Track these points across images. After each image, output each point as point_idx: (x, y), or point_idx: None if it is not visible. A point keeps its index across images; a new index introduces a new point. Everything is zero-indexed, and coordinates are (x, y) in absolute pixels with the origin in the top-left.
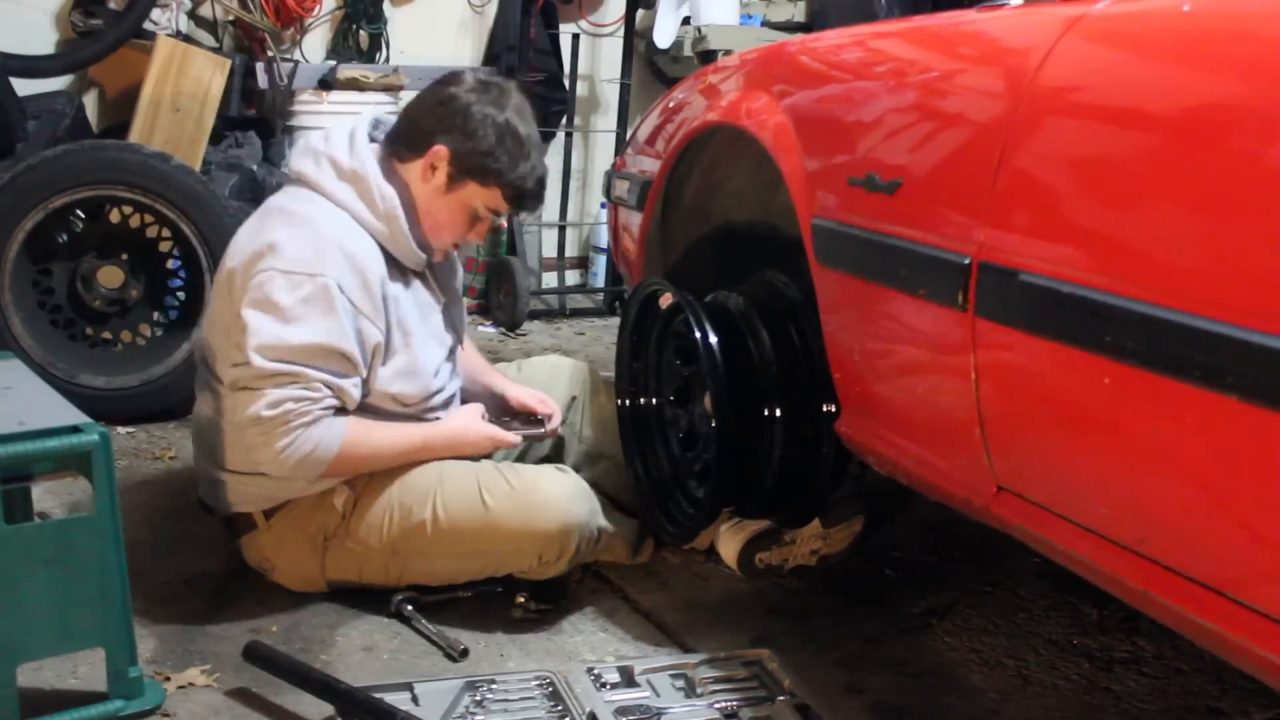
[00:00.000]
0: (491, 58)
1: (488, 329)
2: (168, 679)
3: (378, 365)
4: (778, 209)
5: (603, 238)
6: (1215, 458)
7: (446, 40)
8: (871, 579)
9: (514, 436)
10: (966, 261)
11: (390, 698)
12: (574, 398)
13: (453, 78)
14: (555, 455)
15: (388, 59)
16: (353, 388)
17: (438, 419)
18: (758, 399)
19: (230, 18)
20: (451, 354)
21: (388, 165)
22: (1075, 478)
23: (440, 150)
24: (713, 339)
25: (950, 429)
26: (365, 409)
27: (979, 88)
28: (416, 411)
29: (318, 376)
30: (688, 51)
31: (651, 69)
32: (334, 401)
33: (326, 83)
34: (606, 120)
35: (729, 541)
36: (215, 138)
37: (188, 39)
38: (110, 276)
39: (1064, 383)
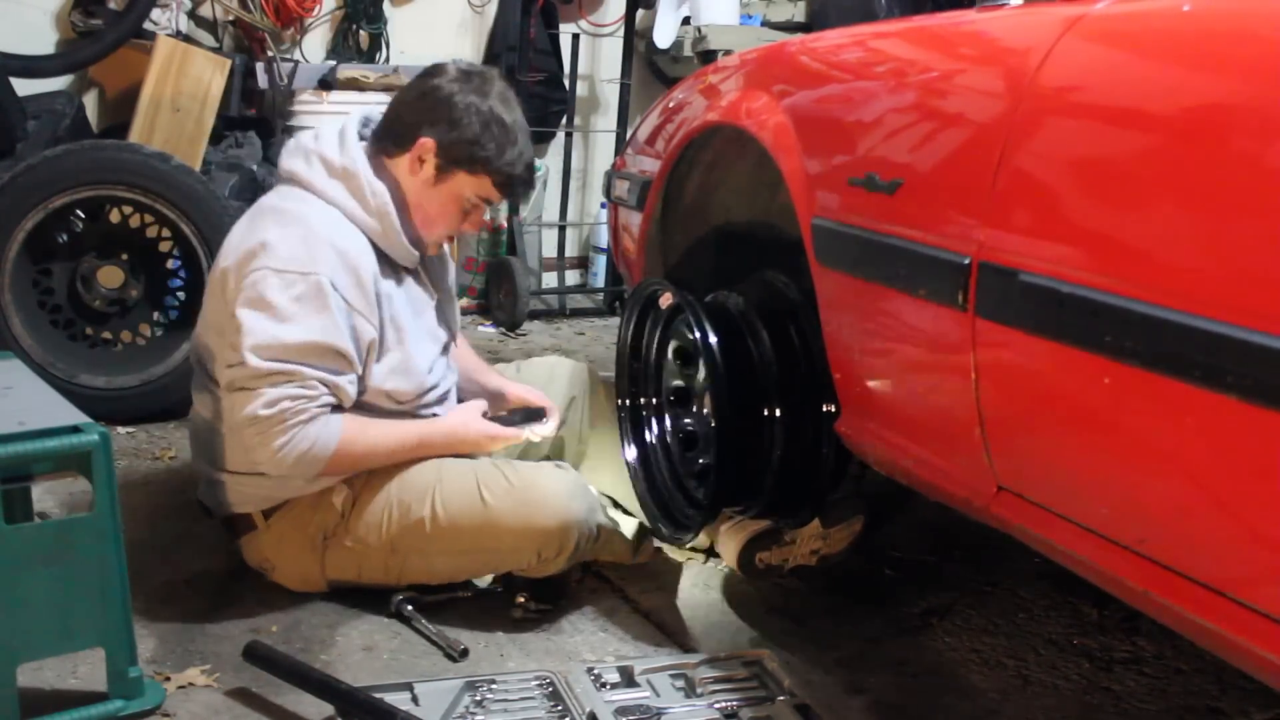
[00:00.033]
0: (491, 58)
1: (488, 329)
2: (168, 679)
3: (372, 362)
4: (778, 209)
5: (603, 238)
6: (1215, 458)
7: (446, 40)
8: (871, 579)
9: (514, 431)
10: (966, 261)
11: (390, 698)
12: (573, 398)
13: (435, 69)
14: (555, 455)
15: (388, 59)
16: (349, 385)
17: (434, 415)
18: (758, 399)
19: (230, 18)
20: (445, 350)
21: (377, 162)
22: (1075, 478)
23: (426, 142)
24: (713, 339)
25: (950, 429)
26: (360, 406)
27: (979, 88)
28: (411, 408)
29: (313, 375)
30: (688, 51)
31: (651, 69)
32: (330, 399)
33: (326, 83)
34: (606, 120)
35: (729, 541)
36: (215, 138)
37: (188, 39)
38: (110, 276)
39: (1064, 383)
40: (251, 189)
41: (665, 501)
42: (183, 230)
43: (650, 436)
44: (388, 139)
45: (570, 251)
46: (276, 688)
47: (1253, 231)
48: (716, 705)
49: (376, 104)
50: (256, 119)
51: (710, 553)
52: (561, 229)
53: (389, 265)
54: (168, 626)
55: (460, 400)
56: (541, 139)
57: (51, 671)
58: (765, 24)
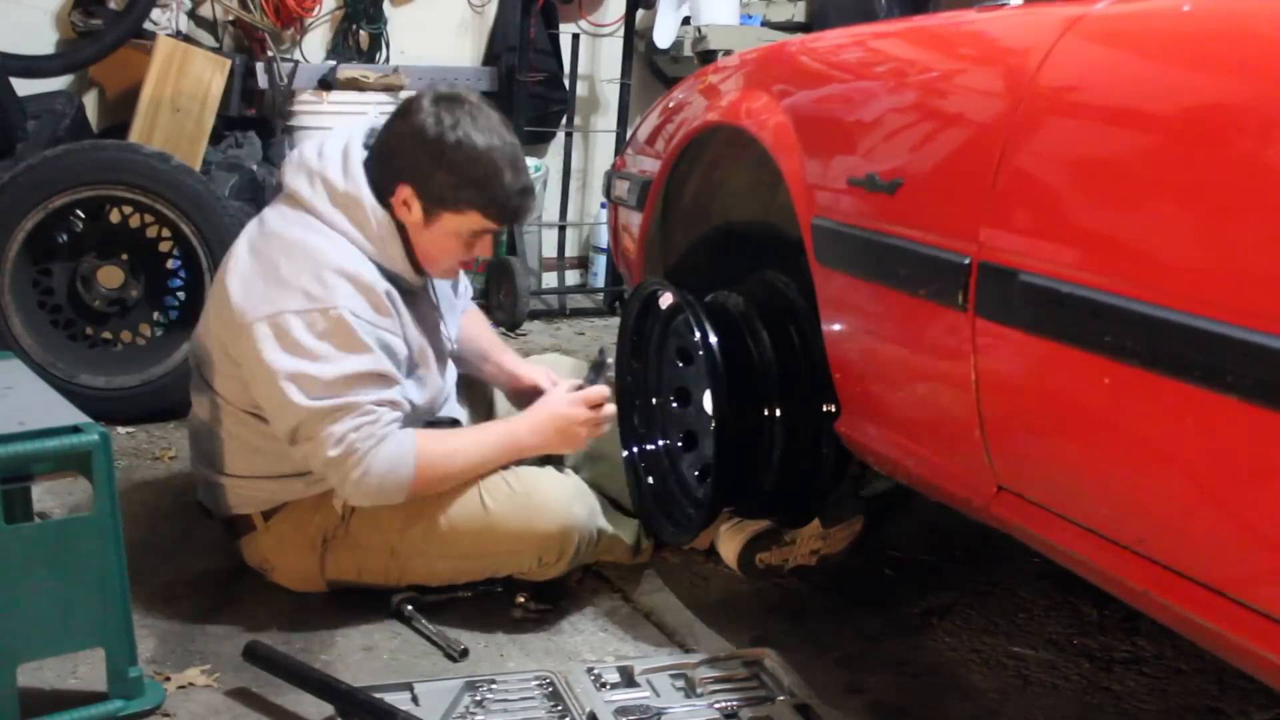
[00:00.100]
0: (491, 58)
1: None
2: (168, 679)
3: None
4: (778, 209)
5: (603, 238)
6: (1215, 458)
7: (446, 40)
8: (871, 579)
9: (595, 391)
10: (966, 261)
11: (390, 698)
12: None
13: (407, 107)
14: (555, 455)
15: (388, 59)
16: (401, 395)
17: (447, 416)
18: (758, 399)
19: (230, 18)
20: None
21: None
22: (1075, 478)
23: (405, 190)
24: (713, 339)
25: (950, 429)
26: None
27: (979, 88)
28: (420, 417)
29: (366, 400)
30: (688, 51)
31: (651, 69)
32: (394, 415)
33: (326, 83)
34: (606, 120)
35: (729, 542)
36: (215, 138)
37: (188, 39)
38: (110, 276)
39: (1064, 383)
40: (251, 189)
41: (665, 502)
42: (183, 230)
43: (650, 436)
44: (375, 183)
45: (570, 251)
46: (276, 688)
47: (1253, 231)
48: (716, 705)
49: (377, 104)
50: (256, 119)
51: (710, 553)
52: (561, 229)
53: (395, 283)
54: (168, 626)
55: (467, 386)
56: (541, 139)
57: (51, 671)
58: (765, 24)
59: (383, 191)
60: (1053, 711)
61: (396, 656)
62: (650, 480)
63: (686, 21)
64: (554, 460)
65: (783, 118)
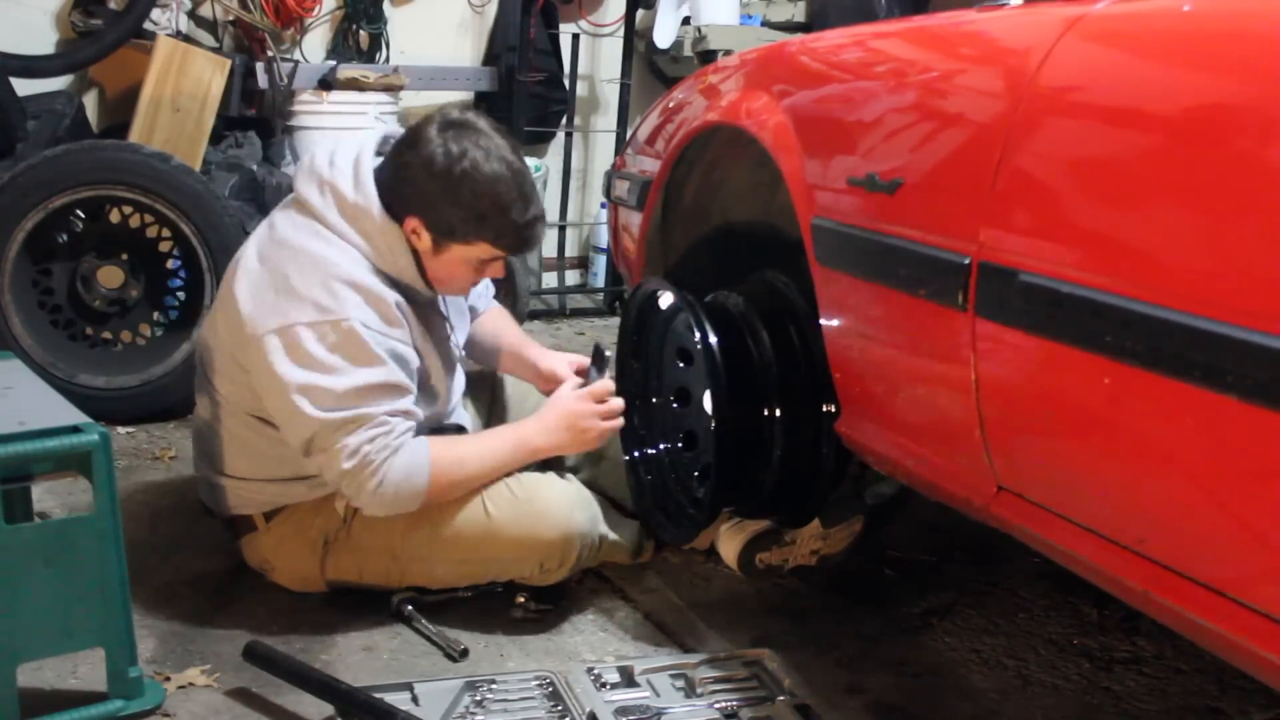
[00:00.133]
0: (491, 58)
1: None
2: (168, 679)
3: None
4: (778, 209)
5: (603, 238)
6: (1215, 458)
7: (446, 40)
8: (871, 579)
9: (600, 385)
10: (966, 261)
11: (390, 698)
12: None
13: (413, 136)
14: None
15: (388, 59)
16: (414, 405)
17: (454, 424)
18: (758, 399)
19: (230, 18)
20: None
21: None
22: (1075, 478)
23: (413, 221)
24: (713, 339)
25: (950, 429)
26: None
27: (979, 88)
28: (428, 425)
29: (380, 412)
30: (688, 51)
31: (651, 69)
32: (408, 425)
33: (326, 83)
34: (606, 120)
35: (729, 542)
36: (215, 138)
37: (188, 39)
38: (110, 276)
39: (1064, 383)
40: (251, 189)
41: (665, 502)
42: (183, 230)
43: (650, 437)
44: (386, 204)
45: (570, 251)
46: (276, 688)
47: (1253, 232)
48: (716, 705)
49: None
50: (256, 119)
51: (710, 553)
52: (561, 229)
53: (405, 295)
54: (168, 626)
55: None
56: (541, 139)
57: (51, 671)
58: (765, 24)
59: (393, 217)
60: (1053, 711)
61: (396, 656)
62: (650, 480)
63: (686, 21)
64: (556, 462)
65: (783, 118)
